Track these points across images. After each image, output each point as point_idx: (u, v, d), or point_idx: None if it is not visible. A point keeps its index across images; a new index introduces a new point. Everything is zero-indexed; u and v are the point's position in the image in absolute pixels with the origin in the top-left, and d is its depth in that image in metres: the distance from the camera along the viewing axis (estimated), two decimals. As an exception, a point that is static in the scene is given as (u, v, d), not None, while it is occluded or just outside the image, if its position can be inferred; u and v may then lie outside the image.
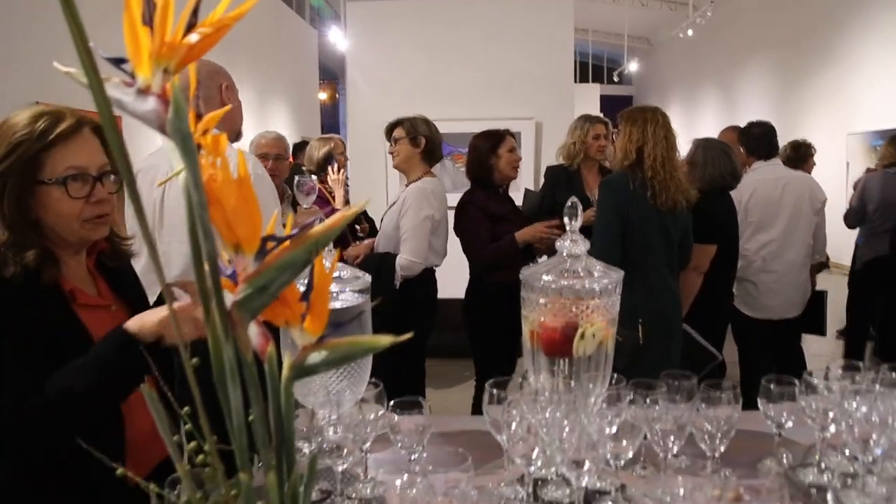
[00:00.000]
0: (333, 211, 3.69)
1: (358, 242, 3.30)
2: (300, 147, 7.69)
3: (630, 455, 1.17)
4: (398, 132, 3.05)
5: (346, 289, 1.51)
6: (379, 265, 2.97)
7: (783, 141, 9.65)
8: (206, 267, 0.57)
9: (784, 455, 1.39)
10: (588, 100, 12.52)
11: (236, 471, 0.59)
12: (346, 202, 3.85)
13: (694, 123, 14.26)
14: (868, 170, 5.76)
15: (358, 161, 5.18)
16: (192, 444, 0.66)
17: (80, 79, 0.52)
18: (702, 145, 3.09)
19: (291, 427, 0.65)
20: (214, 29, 0.55)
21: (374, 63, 5.59)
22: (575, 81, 17.18)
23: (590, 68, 18.18)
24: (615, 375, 1.37)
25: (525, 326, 1.43)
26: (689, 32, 12.24)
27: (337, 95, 18.75)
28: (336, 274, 1.50)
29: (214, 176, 0.58)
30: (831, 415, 1.24)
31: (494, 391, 1.23)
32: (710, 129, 10.16)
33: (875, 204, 4.79)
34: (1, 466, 1.20)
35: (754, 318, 3.60)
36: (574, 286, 1.35)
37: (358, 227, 3.59)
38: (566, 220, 1.39)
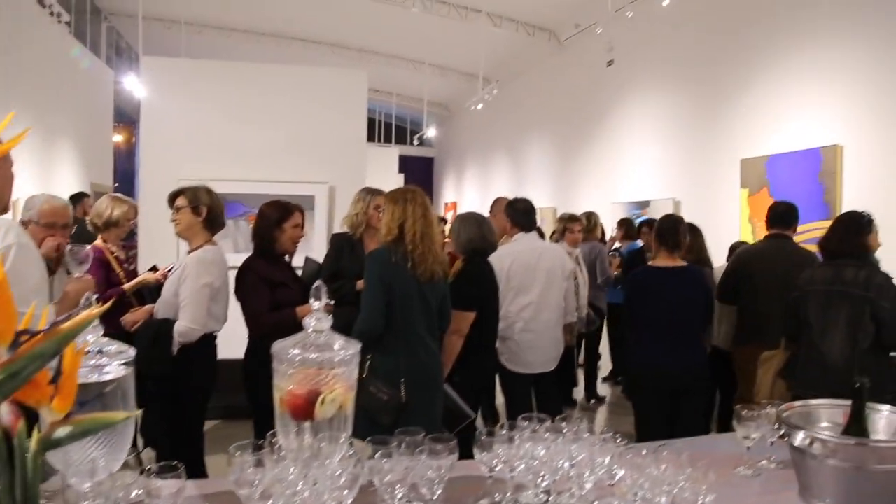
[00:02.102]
0: (111, 281, 3.64)
1: (135, 309, 3.29)
2: (77, 199, 7.21)
3: (350, 500, 1.40)
4: (180, 201, 3.12)
5: (111, 362, 1.60)
6: (157, 331, 2.99)
7: (562, 204, 10.79)
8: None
9: (495, 494, 1.70)
10: (387, 161, 13.06)
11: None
12: (132, 274, 3.84)
13: (488, 187, 15.40)
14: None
15: (150, 214, 5.06)
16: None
17: None
18: (458, 218, 3.53)
19: (37, 496, 0.78)
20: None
21: (169, 119, 5.53)
22: (379, 141, 17.69)
23: (394, 129, 19.02)
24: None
25: (276, 394, 1.62)
26: (479, 107, 13.34)
27: (134, 139, 17.82)
28: (101, 348, 1.60)
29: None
30: (518, 457, 1.56)
31: (237, 454, 1.40)
32: (502, 192, 11.11)
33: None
34: None
35: (517, 372, 4.06)
36: (317, 358, 1.57)
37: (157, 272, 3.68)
38: (311, 300, 1.60)
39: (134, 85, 10.72)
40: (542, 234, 4.36)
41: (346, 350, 1.61)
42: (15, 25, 8.33)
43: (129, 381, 1.66)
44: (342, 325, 3.08)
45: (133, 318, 3.14)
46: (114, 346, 1.62)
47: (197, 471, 3.00)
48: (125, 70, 13.81)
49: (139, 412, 0.74)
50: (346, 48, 14.12)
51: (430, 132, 17.13)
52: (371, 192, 3.78)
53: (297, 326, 3.17)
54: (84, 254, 2.55)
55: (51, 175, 9.54)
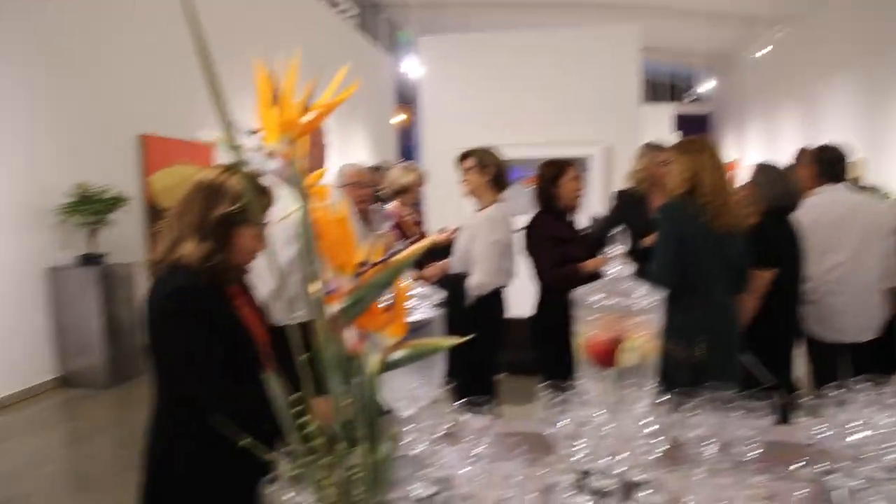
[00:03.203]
0: (406, 241, 3.96)
1: (431, 265, 3.55)
2: (376, 170, 8.10)
3: (662, 448, 1.34)
4: (468, 162, 3.29)
5: (423, 303, 1.75)
6: (453, 285, 3.20)
7: (870, 155, 9.29)
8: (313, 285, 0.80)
9: (815, 463, 1.51)
10: (660, 120, 12.43)
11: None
12: (421, 234, 4.13)
13: (773, 141, 13.93)
14: None
15: (434, 185, 5.46)
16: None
17: (224, 145, 0.77)
18: (759, 169, 3.18)
19: (377, 411, 0.87)
20: (325, 109, 0.80)
21: (446, 93, 5.87)
22: (649, 100, 16.89)
23: (664, 87, 18.06)
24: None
25: (577, 340, 1.61)
26: (766, 50, 12.00)
27: (411, 118, 19.34)
28: (416, 291, 1.77)
29: (321, 216, 0.82)
30: (852, 425, 1.36)
31: (548, 392, 1.42)
32: (790, 147, 10.01)
33: None
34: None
35: (825, 341, 3.61)
36: (619, 304, 1.52)
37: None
38: (609, 248, 1.56)
39: (411, 67, 11.60)
40: (859, 186, 3.81)
41: (649, 297, 1.55)
42: (312, 25, 9.51)
43: (441, 322, 1.80)
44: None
45: (432, 271, 3.41)
46: (424, 289, 1.77)
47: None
48: (401, 56, 15.05)
49: (460, 339, 0.77)
50: (611, 7, 13.66)
51: (705, 87, 15.94)
52: (654, 148, 3.62)
53: (582, 281, 3.18)
54: (386, 213, 2.81)
55: (348, 153, 10.87)
